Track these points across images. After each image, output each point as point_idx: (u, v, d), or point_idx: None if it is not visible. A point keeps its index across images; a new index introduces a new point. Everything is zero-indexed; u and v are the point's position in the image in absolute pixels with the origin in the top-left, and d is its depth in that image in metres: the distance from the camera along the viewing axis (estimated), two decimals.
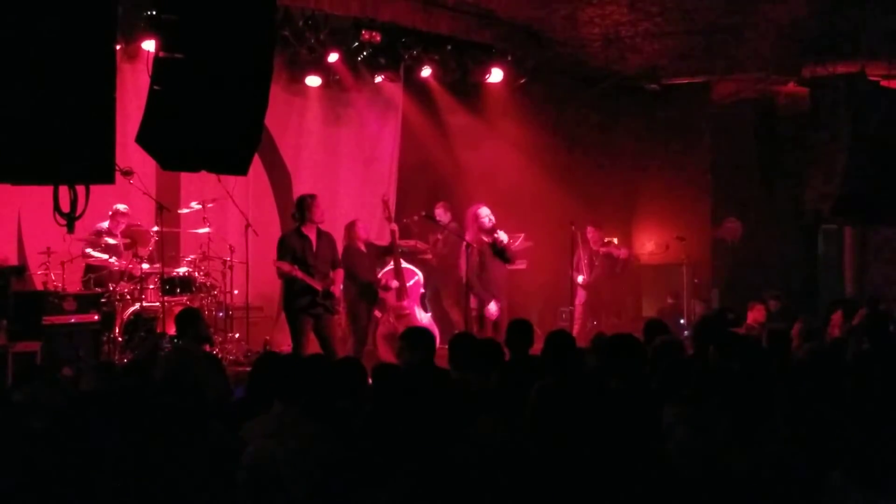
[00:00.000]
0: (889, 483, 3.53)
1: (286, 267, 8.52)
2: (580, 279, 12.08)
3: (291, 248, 8.66)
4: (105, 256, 9.73)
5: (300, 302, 8.66)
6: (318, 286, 8.63)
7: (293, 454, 4.08)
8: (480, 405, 4.60)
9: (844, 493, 3.57)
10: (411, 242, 11.75)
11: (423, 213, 11.44)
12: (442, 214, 11.71)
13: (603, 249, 12.15)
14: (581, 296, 12.19)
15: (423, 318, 10.42)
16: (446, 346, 6.00)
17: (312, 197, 8.86)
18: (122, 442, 4.02)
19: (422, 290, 10.75)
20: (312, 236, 8.75)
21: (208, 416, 4.43)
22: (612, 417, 4.39)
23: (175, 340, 9.25)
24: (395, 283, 10.23)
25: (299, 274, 8.54)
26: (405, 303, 10.32)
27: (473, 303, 9.51)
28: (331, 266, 8.86)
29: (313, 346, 8.75)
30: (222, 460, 4.10)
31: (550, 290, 12.75)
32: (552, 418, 3.98)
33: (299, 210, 8.80)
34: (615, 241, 12.69)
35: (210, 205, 10.26)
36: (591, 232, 12.27)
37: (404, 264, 10.50)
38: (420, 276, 10.74)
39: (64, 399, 4.77)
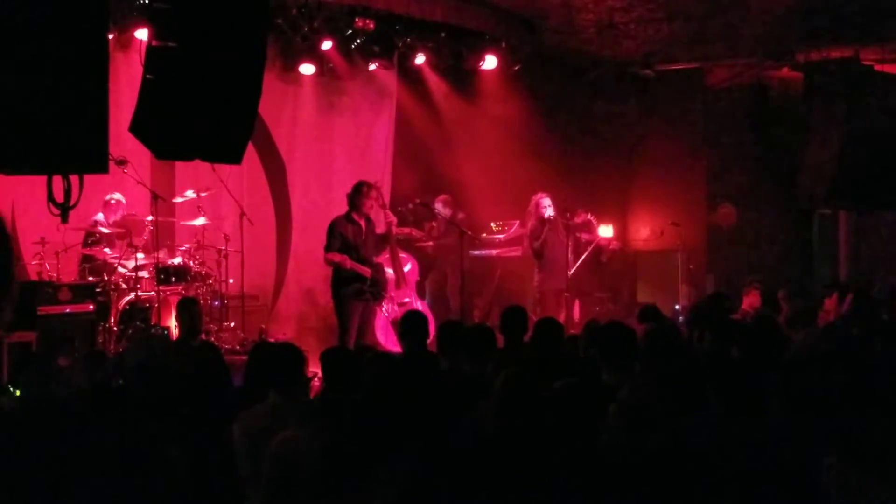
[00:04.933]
0: (886, 467, 3.54)
1: (338, 258, 8.61)
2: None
3: (342, 233, 8.75)
4: (108, 251, 9.74)
5: (350, 289, 8.75)
6: (368, 273, 8.70)
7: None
8: (475, 392, 4.62)
9: (841, 478, 3.58)
10: (406, 230, 11.74)
11: (418, 201, 11.45)
12: (442, 208, 11.70)
13: (585, 236, 11.77)
14: None
15: (419, 306, 10.43)
16: None
17: (369, 186, 8.91)
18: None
19: (416, 278, 10.77)
20: (362, 222, 8.89)
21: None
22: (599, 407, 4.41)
23: (164, 331, 9.29)
24: (392, 274, 10.24)
25: (350, 264, 8.61)
26: (403, 291, 10.34)
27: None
28: (376, 252, 8.95)
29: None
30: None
31: None
32: (514, 407, 3.99)
33: (354, 196, 8.85)
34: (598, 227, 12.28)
35: (204, 194, 10.24)
36: (581, 217, 11.57)
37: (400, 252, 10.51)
38: (414, 264, 10.74)
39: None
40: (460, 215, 11.79)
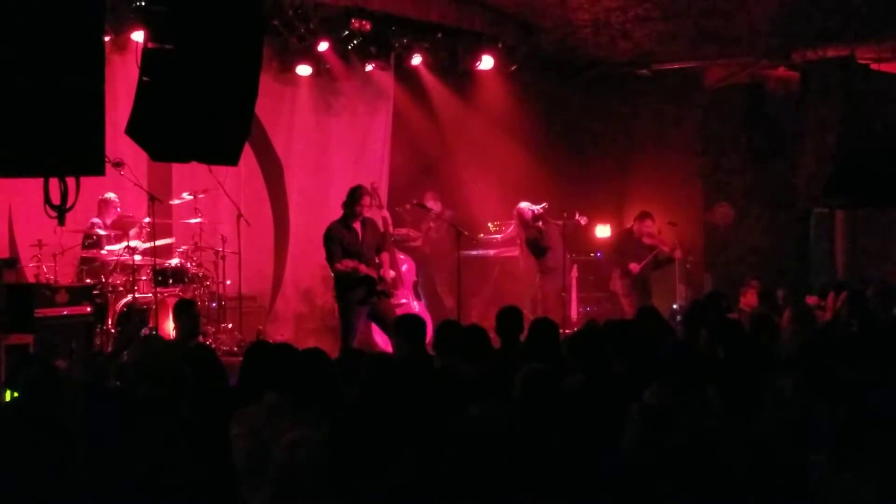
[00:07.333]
0: (873, 465, 3.55)
1: (350, 264, 8.63)
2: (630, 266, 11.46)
3: (339, 238, 8.76)
4: (112, 247, 9.73)
5: (356, 294, 8.78)
6: (375, 274, 8.72)
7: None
8: (471, 391, 4.63)
9: (830, 475, 3.59)
10: (403, 230, 11.76)
11: (415, 202, 11.47)
12: (433, 203, 11.72)
13: (648, 240, 11.61)
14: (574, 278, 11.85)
15: (416, 306, 10.44)
16: None
17: (361, 191, 8.92)
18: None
19: (414, 279, 10.77)
20: (357, 226, 8.89)
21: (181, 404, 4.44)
22: (609, 402, 4.43)
23: (153, 331, 9.29)
24: (390, 274, 10.23)
25: (363, 269, 8.64)
26: (400, 292, 10.33)
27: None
28: (376, 251, 8.95)
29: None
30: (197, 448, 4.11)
31: None
32: (542, 402, 4.01)
33: (349, 201, 8.89)
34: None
35: (201, 195, 10.23)
36: (648, 225, 11.63)
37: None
38: (412, 264, 10.75)
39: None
40: (448, 212, 11.82)
